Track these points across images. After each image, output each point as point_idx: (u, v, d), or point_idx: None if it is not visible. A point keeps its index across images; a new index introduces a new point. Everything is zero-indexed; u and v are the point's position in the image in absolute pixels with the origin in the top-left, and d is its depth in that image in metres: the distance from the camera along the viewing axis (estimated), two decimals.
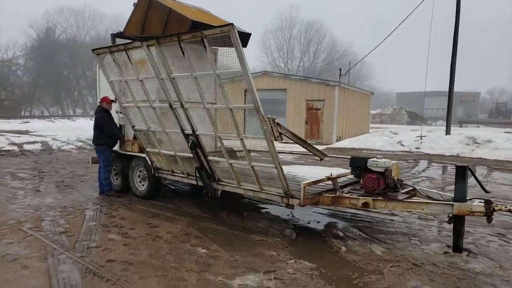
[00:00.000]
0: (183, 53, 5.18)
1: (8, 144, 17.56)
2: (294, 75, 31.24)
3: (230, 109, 5.05)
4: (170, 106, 5.86)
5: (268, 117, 4.69)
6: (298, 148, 5.85)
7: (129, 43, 6.06)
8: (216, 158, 5.93)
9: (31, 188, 8.22)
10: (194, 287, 3.79)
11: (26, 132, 25.12)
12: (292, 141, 5.22)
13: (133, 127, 6.96)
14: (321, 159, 5.60)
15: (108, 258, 4.48)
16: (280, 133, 4.72)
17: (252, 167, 5.26)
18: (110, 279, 3.92)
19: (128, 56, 6.10)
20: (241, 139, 5.12)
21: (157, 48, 5.50)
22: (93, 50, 6.78)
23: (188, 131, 5.88)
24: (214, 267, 4.29)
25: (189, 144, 5.89)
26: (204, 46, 4.86)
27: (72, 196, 7.61)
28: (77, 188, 8.35)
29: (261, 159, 6.25)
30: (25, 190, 8.00)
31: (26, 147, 16.72)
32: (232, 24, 4.42)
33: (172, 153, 6.45)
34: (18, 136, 21.78)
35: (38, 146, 17.08)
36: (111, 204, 7.00)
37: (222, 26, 4.52)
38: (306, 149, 5.35)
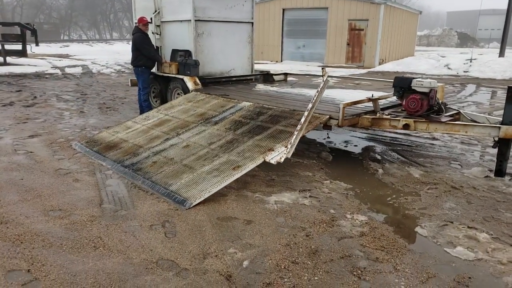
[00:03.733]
0: None
1: (51, 67, 18.13)
2: None
3: None
4: None
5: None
6: (337, 72, 5.57)
7: None
8: None
9: (76, 110, 8.58)
10: (233, 202, 3.97)
11: (66, 56, 25.73)
12: (333, 66, 4.94)
13: None
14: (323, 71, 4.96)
15: None
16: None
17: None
18: (154, 193, 4.16)
19: None
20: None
21: None
22: None
23: None
24: (251, 185, 4.43)
25: None
26: None
27: (114, 117, 7.90)
28: (118, 110, 8.63)
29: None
30: (70, 111, 8.37)
31: (67, 70, 17.22)
32: None
33: None
34: (60, 60, 22.39)
35: (79, 70, 17.54)
36: None
37: None
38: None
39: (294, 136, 4.39)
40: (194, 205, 3.80)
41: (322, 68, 5.03)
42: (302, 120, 4.50)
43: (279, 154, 4.33)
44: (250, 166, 4.23)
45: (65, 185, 4.34)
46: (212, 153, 4.68)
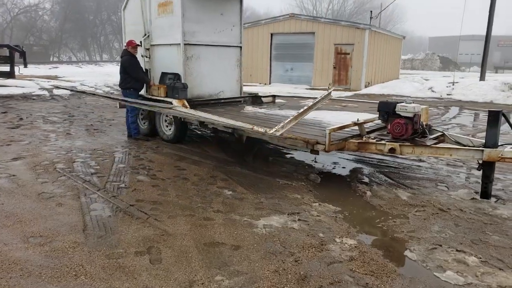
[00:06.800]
0: None
1: (39, 89, 17.98)
2: (323, 17, 29.93)
3: None
4: None
5: None
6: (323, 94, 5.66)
7: None
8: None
9: (62, 131, 8.47)
10: (220, 226, 3.90)
11: (55, 77, 25.60)
12: (319, 88, 5.23)
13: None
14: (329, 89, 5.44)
15: (137, 198, 4.64)
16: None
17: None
18: (140, 217, 4.08)
19: None
20: None
21: None
22: None
23: None
24: (239, 208, 4.38)
25: None
26: None
27: (101, 139, 7.81)
28: (106, 132, 8.55)
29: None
30: (57, 133, 8.26)
31: (56, 91, 17.08)
32: None
33: None
34: (48, 81, 22.24)
35: (67, 91, 17.41)
36: (139, 147, 7.16)
37: None
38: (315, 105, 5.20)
39: (288, 119, 4.42)
40: None
41: (329, 84, 5.38)
42: (302, 110, 4.58)
43: (268, 128, 4.46)
44: (239, 124, 4.31)
45: (47, 210, 4.22)
46: None
